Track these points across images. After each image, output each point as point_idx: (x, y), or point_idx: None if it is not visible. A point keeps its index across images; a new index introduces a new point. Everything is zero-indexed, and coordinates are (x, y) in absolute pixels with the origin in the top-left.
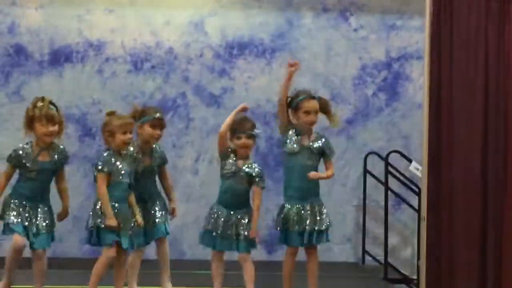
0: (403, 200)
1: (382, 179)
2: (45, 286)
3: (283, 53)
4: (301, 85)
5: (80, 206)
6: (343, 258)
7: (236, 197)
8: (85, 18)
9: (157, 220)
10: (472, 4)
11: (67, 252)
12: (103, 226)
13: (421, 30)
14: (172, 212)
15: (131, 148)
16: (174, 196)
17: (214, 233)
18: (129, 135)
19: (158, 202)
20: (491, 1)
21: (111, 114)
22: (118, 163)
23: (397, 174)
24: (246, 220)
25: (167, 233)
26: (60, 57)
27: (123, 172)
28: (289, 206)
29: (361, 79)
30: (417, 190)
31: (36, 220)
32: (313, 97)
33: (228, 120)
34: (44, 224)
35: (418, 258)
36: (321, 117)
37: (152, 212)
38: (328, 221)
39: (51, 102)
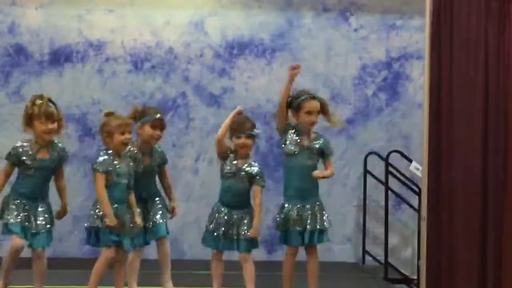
0: (403, 200)
1: (382, 179)
2: (46, 286)
3: (283, 53)
4: (301, 85)
5: (80, 206)
6: (343, 258)
7: (237, 196)
8: (85, 18)
9: (157, 220)
10: (472, 4)
11: (67, 252)
12: (102, 226)
13: (421, 30)
14: (172, 211)
15: (132, 148)
16: (174, 196)
17: (216, 234)
18: (127, 136)
19: (158, 202)
20: (491, 1)
21: (109, 114)
22: (115, 163)
23: (397, 174)
24: (247, 219)
25: (167, 233)
26: (60, 57)
27: (121, 173)
28: (289, 206)
29: (361, 79)
30: (417, 190)
31: (36, 219)
32: (314, 98)
33: (225, 125)
34: (43, 223)
35: (418, 258)
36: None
37: (152, 212)
38: (328, 220)
39: (50, 100)
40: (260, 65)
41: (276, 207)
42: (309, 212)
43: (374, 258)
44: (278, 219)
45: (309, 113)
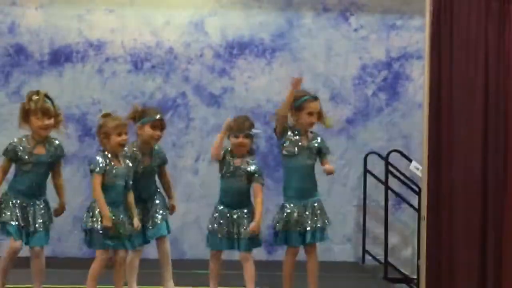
0: (403, 200)
1: (382, 178)
2: (45, 286)
3: (283, 53)
4: (301, 85)
5: (80, 206)
6: (343, 258)
7: (237, 196)
8: (85, 18)
9: (157, 219)
10: (472, 4)
11: (67, 252)
12: (96, 227)
13: (421, 30)
14: (171, 209)
15: (133, 149)
16: (174, 195)
17: (219, 235)
18: (124, 136)
19: (158, 202)
20: (491, 1)
21: (106, 116)
22: (112, 164)
23: (397, 174)
24: (248, 218)
25: (168, 232)
26: (60, 57)
27: (117, 174)
28: (290, 207)
29: (361, 79)
30: (417, 189)
31: (34, 217)
32: (316, 99)
33: (220, 139)
34: (41, 221)
35: (418, 258)
36: None
37: (152, 211)
38: (328, 218)
39: (46, 96)
40: (260, 65)
41: (276, 207)
42: (310, 211)
43: (374, 257)
44: (278, 219)
45: (310, 114)
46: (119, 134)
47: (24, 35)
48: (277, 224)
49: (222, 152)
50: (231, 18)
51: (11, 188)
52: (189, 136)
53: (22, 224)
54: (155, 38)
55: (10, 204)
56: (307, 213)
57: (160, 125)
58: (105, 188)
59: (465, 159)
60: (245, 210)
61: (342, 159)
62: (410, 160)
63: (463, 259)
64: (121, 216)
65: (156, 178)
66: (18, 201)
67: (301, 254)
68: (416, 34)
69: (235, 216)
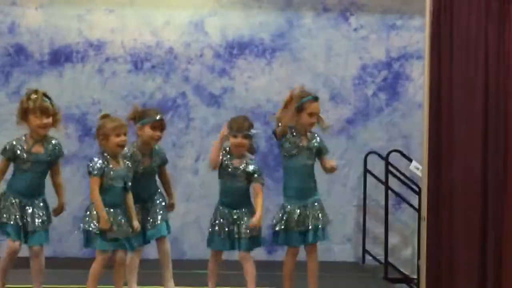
0: (403, 200)
1: (383, 178)
2: (46, 286)
3: (283, 53)
4: (302, 85)
5: (80, 206)
6: (343, 258)
7: (237, 196)
8: (85, 18)
9: (157, 219)
10: (472, 4)
11: (67, 252)
12: (94, 229)
13: (421, 30)
14: (170, 207)
15: (133, 150)
16: (174, 194)
17: (222, 236)
18: (123, 137)
19: (158, 202)
20: (491, 1)
21: (105, 117)
22: (110, 166)
23: (398, 174)
24: (248, 218)
25: (168, 232)
26: (60, 57)
27: (115, 176)
28: (290, 207)
29: (361, 79)
30: (417, 189)
31: (32, 217)
32: (317, 99)
33: (216, 149)
34: (40, 220)
35: (418, 258)
36: None
37: (152, 211)
38: (328, 218)
39: (45, 94)
40: (260, 65)
41: (276, 207)
42: (310, 211)
43: (374, 257)
44: (278, 219)
45: (311, 114)
46: (118, 135)
47: (24, 35)
48: (278, 224)
49: (220, 159)
50: (231, 18)
51: (10, 187)
52: (189, 136)
53: (21, 224)
54: (155, 38)
55: (9, 204)
56: (307, 213)
57: (160, 126)
58: (103, 190)
59: (465, 159)
60: (245, 210)
61: (342, 159)
62: (410, 160)
63: (463, 259)
64: (120, 217)
65: (157, 178)
66: (17, 201)
67: (301, 254)
68: (416, 34)
69: (235, 216)
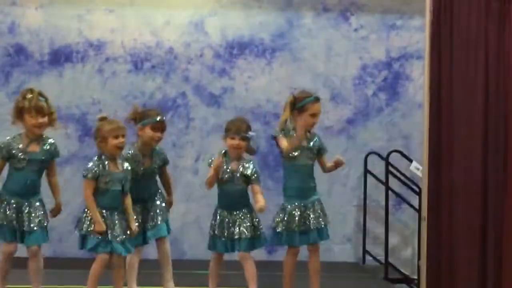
0: (403, 200)
1: (383, 179)
2: (45, 286)
3: (283, 53)
4: (302, 85)
5: (80, 206)
6: (343, 258)
7: (235, 198)
8: (85, 18)
9: (157, 220)
10: (472, 4)
11: (67, 252)
12: (89, 232)
13: (421, 29)
14: (169, 204)
15: (130, 151)
16: (173, 193)
17: (223, 238)
18: (121, 139)
19: (158, 202)
20: (491, 1)
21: (102, 119)
22: (107, 170)
23: (398, 174)
24: (247, 219)
25: (168, 233)
26: (60, 57)
27: (112, 179)
28: (291, 207)
29: (361, 79)
30: (417, 190)
31: (29, 217)
32: (318, 99)
33: (211, 177)
34: (36, 220)
35: (419, 258)
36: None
37: (152, 212)
38: (328, 217)
39: (40, 94)
40: (260, 65)
41: (276, 207)
42: (311, 211)
43: (374, 258)
44: (279, 219)
45: (313, 115)
46: (116, 137)
47: (24, 35)
48: (279, 225)
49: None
50: (231, 18)
51: (5, 188)
52: (189, 136)
53: (16, 225)
54: (155, 38)
55: (3, 205)
56: (308, 212)
57: (161, 127)
58: (99, 192)
59: (465, 159)
60: (244, 211)
61: None
62: (411, 160)
63: (464, 259)
64: (116, 221)
65: (157, 179)
66: (12, 201)
67: (301, 254)
68: (416, 34)
69: (234, 218)
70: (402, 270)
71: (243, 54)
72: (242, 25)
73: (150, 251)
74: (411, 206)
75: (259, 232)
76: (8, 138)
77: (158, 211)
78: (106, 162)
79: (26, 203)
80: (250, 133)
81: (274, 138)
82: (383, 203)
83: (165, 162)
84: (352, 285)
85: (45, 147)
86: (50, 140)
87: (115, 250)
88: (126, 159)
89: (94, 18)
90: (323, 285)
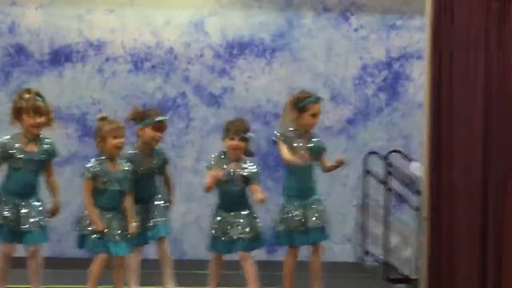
0: (403, 200)
1: (383, 178)
2: (45, 286)
3: (284, 53)
4: (302, 85)
5: (80, 206)
6: (343, 258)
7: (235, 199)
8: (85, 18)
9: (157, 220)
10: (472, 3)
11: (67, 252)
12: (85, 231)
13: (421, 29)
14: (168, 202)
15: (131, 151)
16: (173, 193)
17: (223, 239)
18: (120, 139)
19: (158, 202)
20: (491, 1)
21: (102, 119)
22: (106, 170)
23: (398, 174)
24: (247, 220)
25: (169, 233)
26: (60, 57)
27: (110, 179)
28: (292, 207)
29: (361, 79)
30: (417, 190)
31: (27, 217)
32: (319, 100)
33: (210, 184)
34: (34, 220)
35: (419, 258)
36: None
37: (152, 212)
38: (328, 217)
39: (37, 94)
40: (260, 65)
41: (276, 207)
42: (312, 210)
43: (374, 258)
44: (280, 219)
45: (314, 115)
46: (115, 137)
47: (24, 35)
48: (280, 225)
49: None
50: (231, 18)
51: (3, 188)
52: (189, 136)
53: (14, 225)
54: (155, 38)
55: (1, 205)
56: (308, 213)
57: (161, 127)
58: (97, 192)
59: (466, 159)
60: (244, 212)
61: None
62: (411, 160)
63: (464, 259)
64: (114, 221)
65: (158, 179)
66: (11, 201)
67: (301, 254)
68: (416, 34)
69: (233, 219)
70: (402, 270)
71: (243, 54)
72: (242, 25)
73: (150, 251)
74: (411, 206)
75: (258, 233)
76: (5, 138)
77: (158, 211)
78: (105, 162)
79: (24, 203)
80: (249, 134)
81: (275, 143)
82: (383, 203)
83: (165, 161)
84: (352, 285)
85: (43, 147)
86: (48, 140)
87: (112, 250)
88: (126, 159)
89: (94, 18)
90: (323, 285)
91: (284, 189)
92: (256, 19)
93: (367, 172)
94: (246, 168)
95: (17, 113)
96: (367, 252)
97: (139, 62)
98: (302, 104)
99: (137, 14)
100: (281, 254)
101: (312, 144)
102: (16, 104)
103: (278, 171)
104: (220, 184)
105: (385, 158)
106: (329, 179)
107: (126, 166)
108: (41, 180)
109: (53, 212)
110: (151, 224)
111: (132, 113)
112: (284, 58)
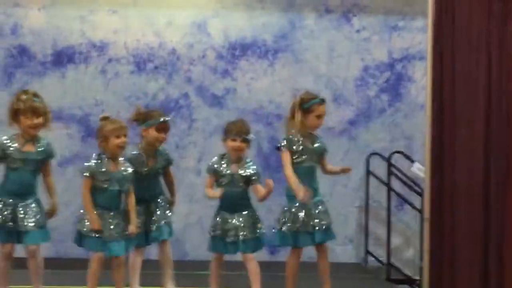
0: (405, 201)
1: (385, 180)
2: (48, 286)
3: (286, 54)
4: (304, 86)
5: (82, 206)
6: (345, 259)
7: (236, 200)
8: (88, 19)
9: (160, 222)
10: (474, 4)
11: (69, 253)
12: (83, 229)
13: (423, 31)
14: (170, 204)
15: (134, 152)
16: (176, 194)
17: (224, 239)
18: (123, 139)
19: (162, 204)
20: (493, 2)
21: (104, 119)
22: (105, 169)
23: (400, 175)
24: (249, 221)
25: (171, 235)
26: (63, 58)
27: (110, 178)
28: (296, 207)
29: (363, 80)
30: (419, 191)
31: (25, 217)
32: (323, 101)
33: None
34: (33, 220)
35: (421, 259)
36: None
37: (155, 213)
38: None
39: (35, 94)
40: (262, 66)
41: (278, 207)
42: (315, 211)
43: (376, 259)
44: (284, 220)
45: (319, 117)
46: (118, 137)
47: (26, 36)
48: (284, 225)
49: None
50: (233, 19)
51: (1, 189)
52: (191, 137)
53: (13, 225)
54: (157, 39)
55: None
56: (312, 213)
57: (165, 128)
58: (97, 191)
59: (468, 160)
60: (246, 213)
61: (344, 160)
62: (413, 161)
63: (466, 260)
64: (112, 221)
65: (161, 180)
66: (9, 202)
67: (304, 255)
68: (418, 35)
69: (236, 220)
70: (404, 271)
71: (246, 55)
72: (244, 26)
73: (152, 251)
74: (413, 207)
75: (260, 233)
76: (3, 138)
77: (161, 213)
78: (106, 161)
79: (22, 203)
80: (251, 135)
81: (278, 149)
82: (385, 204)
83: (169, 162)
84: (354, 286)
85: (40, 147)
86: (45, 141)
87: (110, 250)
88: (130, 160)
89: (96, 19)
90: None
91: (287, 190)
92: (259, 20)
93: (369, 173)
94: (247, 169)
95: (15, 114)
96: (369, 253)
97: (141, 63)
98: (307, 105)
99: (139, 15)
100: (283, 254)
101: (317, 145)
102: (13, 105)
103: (279, 172)
104: (221, 186)
105: (387, 159)
106: (331, 180)
107: (128, 167)
108: (40, 181)
109: (50, 214)
110: (154, 225)
111: (135, 114)
112: (286, 59)
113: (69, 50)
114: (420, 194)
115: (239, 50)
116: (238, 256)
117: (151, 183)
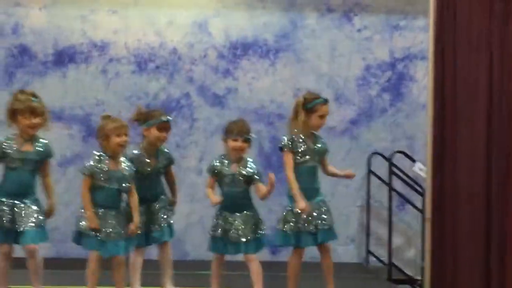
0: (407, 201)
1: (386, 179)
2: (48, 286)
3: (287, 54)
4: (305, 86)
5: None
6: (347, 259)
7: (237, 200)
8: (89, 19)
9: (161, 223)
10: (475, 4)
11: (70, 253)
12: (81, 228)
13: (425, 30)
14: (172, 204)
15: (135, 151)
16: (177, 194)
17: (225, 239)
18: (123, 138)
19: (163, 205)
20: (494, 2)
21: (105, 118)
22: (105, 168)
23: (401, 175)
24: (250, 221)
25: (172, 236)
26: (64, 58)
27: (109, 177)
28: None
29: (365, 79)
30: (421, 190)
31: (23, 217)
32: (327, 101)
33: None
34: (31, 219)
35: (422, 259)
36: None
37: (157, 214)
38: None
39: (33, 94)
40: (263, 65)
41: (280, 207)
42: (318, 211)
43: (378, 258)
44: (287, 220)
45: (321, 117)
46: (119, 135)
47: (27, 36)
48: (285, 225)
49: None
50: (234, 19)
51: (0, 189)
52: (193, 137)
53: (10, 225)
54: (158, 38)
55: None
56: (314, 213)
57: (166, 127)
58: (95, 189)
59: (469, 160)
60: (247, 213)
61: (345, 160)
62: (414, 161)
63: (467, 260)
64: (111, 220)
65: (162, 179)
66: (7, 202)
67: (306, 255)
68: (419, 34)
69: (237, 220)
70: (406, 271)
71: (247, 55)
72: (245, 25)
73: (152, 251)
74: (415, 207)
75: (262, 233)
76: (1, 138)
77: (163, 214)
78: (105, 160)
79: (20, 203)
80: (252, 135)
81: (281, 149)
82: (387, 204)
83: (170, 162)
84: (356, 286)
85: (39, 147)
86: (44, 140)
87: (109, 249)
88: (131, 160)
89: (97, 19)
90: (325, 286)
91: (288, 190)
92: (260, 20)
93: (370, 173)
94: (248, 168)
95: (13, 114)
96: (370, 253)
97: (142, 62)
98: (310, 105)
99: (140, 14)
100: (285, 254)
101: (320, 145)
102: (11, 106)
103: (281, 172)
104: (222, 186)
105: (388, 158)
106: (332, 180)
107: (128, 166)
108: (38, 180)
109: (48, 214)
110: (156, 226)
111: (136, 113)
112: (287, 58)
113: (70, 49)
114: (422, 194)
115: (240, 50)
116: (239, 256)
117: (153, 182)
